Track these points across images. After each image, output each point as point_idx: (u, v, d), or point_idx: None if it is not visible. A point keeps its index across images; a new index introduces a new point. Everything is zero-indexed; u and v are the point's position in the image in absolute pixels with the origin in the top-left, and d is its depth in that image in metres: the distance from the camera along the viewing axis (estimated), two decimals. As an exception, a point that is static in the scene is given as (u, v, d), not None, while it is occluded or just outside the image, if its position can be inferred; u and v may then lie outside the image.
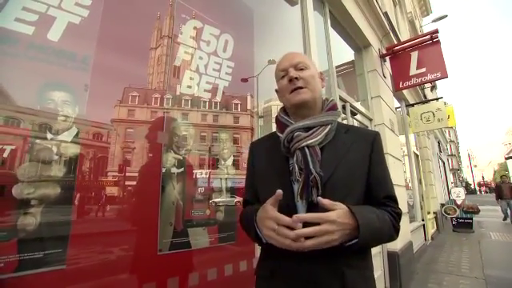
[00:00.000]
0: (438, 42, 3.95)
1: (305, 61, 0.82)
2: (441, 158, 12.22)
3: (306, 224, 0.62)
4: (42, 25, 0.94)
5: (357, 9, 3.34)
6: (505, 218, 8.99)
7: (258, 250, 1.52)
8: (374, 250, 2.79)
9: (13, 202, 0.80)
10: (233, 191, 1.57)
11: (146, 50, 1.31)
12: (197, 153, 1.45)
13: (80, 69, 1.01)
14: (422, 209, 5.91)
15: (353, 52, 3.83)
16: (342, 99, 2.87)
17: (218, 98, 1.62)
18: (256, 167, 0.89)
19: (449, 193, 10.95)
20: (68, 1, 1.02)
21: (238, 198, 1.56)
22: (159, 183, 1.20)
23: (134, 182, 1.16)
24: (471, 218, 7.53)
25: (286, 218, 0.63)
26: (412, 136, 6.54)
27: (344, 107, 2.93)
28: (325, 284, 0.67)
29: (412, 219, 5.25)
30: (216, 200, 1.48)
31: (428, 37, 4.01)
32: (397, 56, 4.29)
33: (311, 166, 0.70)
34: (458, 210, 7.64)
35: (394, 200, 0.78)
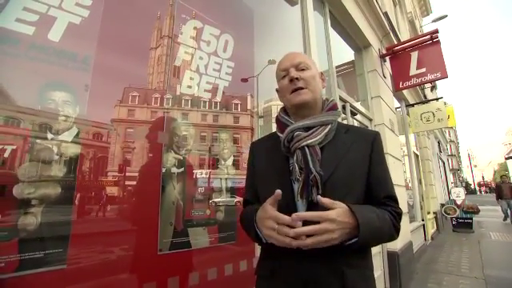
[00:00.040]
0: (438, 42, 3.96)
1: (306, 61, 0.82)
2: (441, 158, 12.23)
3: (305, 223, 0.62)
4: (42, 25, 0.94)
5: (357, 9, 3.34)
6: (505, 219, 8.97)
7: (258, 249, 1.53)
8: (374, 250, 2.79)
9: (13, 201, 0.81)
10: (233, 191, 1.57)
11: (146, 49, 1.31)
12: (197, 153, 1.45)
13: (80, 69, 1.01)
14: (421, 209, 5.91)
15: (353, 52, 3.83)
16: (341, 99, 2.87)
17: (218, 98, 1.62)
18: (256, 167, 0.89)
19: (449, 193, 10.95)
20: (68, 1, 1.02)
21: (238, 198, 1.56)
22: (159, 183, 1.20)
23: (134, 182, 1.16)
24: (471, 218, 7.53)
25: (285, 217, 0.64)
26: (412, 136, 6.54)
27: (344, 107, 2.93)
28: (325, 283, 0.67)
29: (412, 219, 5.25)
30: (216, 200, 1.48)
31: (428, 37, 4.01)
32: (397, 56, 4.29)
33: (311, 166, 0.70)
34: (457, 210, 7.64)
35: (395, 200, 0.78)
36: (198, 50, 1.56)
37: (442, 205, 8.31)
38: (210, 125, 1.56)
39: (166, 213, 1.20)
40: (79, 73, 1.01)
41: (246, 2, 1.97)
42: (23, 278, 0.79)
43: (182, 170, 1.32)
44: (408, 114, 6.04)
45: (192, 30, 1.55)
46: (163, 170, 1.23)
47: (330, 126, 0.78)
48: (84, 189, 0.98)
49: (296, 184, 0.73)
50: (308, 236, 0.61)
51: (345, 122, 2.83)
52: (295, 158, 0.74)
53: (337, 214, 0.62)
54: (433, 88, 8.79)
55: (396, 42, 4.54)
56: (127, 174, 1.12)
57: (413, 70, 4.16)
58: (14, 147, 0.84)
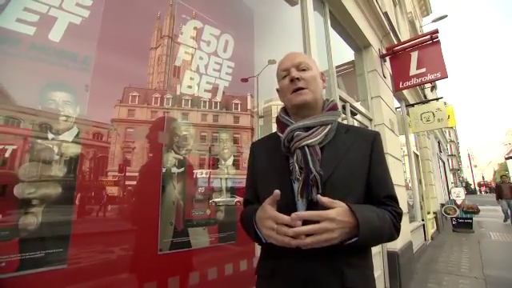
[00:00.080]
0: (438, 42, 3.96)
1: (307, 61, 0.83)
2: (441, 158, 12.23)
3: (305, 222, 0.62)
4: (43, 25, 0.94)
5: (357, 9, 3.34)
6: (505, 219, 8.87)
7: (258, 249, 1.53)
8: (374, 250, 2.80)
9: (14, 201, 0.81)
10: (233, 191, 1.57)
11: (147, 49, 1.32)
12: (197, 153, 1.45)
13: (81, 69, 1.01)
14: (421, 209, 5.91)
15: (353, 52, 3.83)
16: (342, 99, 2.88)
17: (219, 98, 1.62)
18: (257, 167, 0.89)
19: (449, 193, 10.96)
20: (69, 1, 1.02)
21: (238, 198, 1.56)
22: (160, 183, 1.20)
23: (135, 182, 1.16)
24: (471, 218, 7.53)
25: (284, 217, 0.64)
26: (412, 136, 6.55)
27: (344, 107, 2.93)
28: (324, 282, 0.67)
29: (412, 219, 5.25)
30: (216, 200, 1.48)
31: (428, 37, 4.01)
32: (397, 56, 4.30)
33: (311, 165, 0.70)
34: (457, 210, 7.64)
35: (395, 200, 0.78)
36: (198, 50, 1.56)
37: (442, 205, 8.31)
38: (210, 125, 1.57)
39: (166, 213, 1.20)
40: (80, 73, 1.01)
41: (246, 2, 1.97)
42: (24, 277, 0.79)
43: (183, 169, 1.32)
44: (408, 114, 6.04)
45: (192, 30, 1.55)
46: (163, 170, 1.23)
47: (330, 126, 0.78)
48: (84, 189, 0.98)
49: (296, 184, 0.73)
50: (307, 235, 0.61)
51: (345, 122, 2.83)
52: (295, 158, 0.74)
53: (337, 213, 0.62)
54: (433, 88, 8.79)
55: (396, 42, 4.54)
56: (127, 173, 1.13)
57: (413, 70, 4.16)
58: (15, 147, 0.84)
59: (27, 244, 0.81)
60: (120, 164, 1.11)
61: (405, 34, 7.17)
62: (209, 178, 1.47)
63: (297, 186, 0.73)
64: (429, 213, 6.54)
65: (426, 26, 10.01)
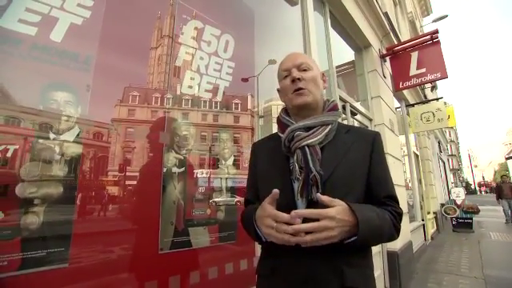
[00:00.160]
0: (438, 42, 3.96)
1: (308, 62, 0.83)
2: (441, 158, 12.23)
3: (305, 220, 0.63)
4: (44, 26, 0.95)
5: (357, 9, 3.34)
6: (507, 221, 8.70)
7: (258, 249, 1.53)
8: (374, 250, 2.80)
9: (16, 201, 0.81)
10: (233, 191, 1.57)
11: (147, 49, 1.32)
12: (197, 152, 1.45)
13: (82, 69, 1.02)
14: (421, 209, 5.91)
15: (353, 52, 3.84)
16: (342, 99, 2.88)
17: (219, 98, 1.62)
18: (258, 167, 0.90)
19: (449, 193, 10.95)
20: (70, 2, 1.02)
21: (239, 198, 1.57)
22: (160, 183, 1.21)
23: (135, 182, 1.16)
24: (471, 218, 7.53)
25: (284, 215, 0.64)
26: (412, 136, 6.55)
27: (344, 107, 2.93)
28: (324, 280, 0.68)
29: (412, 219, 5.25)
30: (216, 199, 1.49)
31: (428, 37, 4.02)
32: (397, 56, 4.30)
33: (311, 165, 0.71)
34: (457, 210, 7.64)
35: (395, 200, 0.78)
36: (198, 50, 1.56)
37: (442, 205, 8.31)
38: (210, 125, 1.57)
39: (166, 212, 1.20)
40: (81, 73, 1.01)
41: (247, 3, 1.98)
42: (26, 276, 0.79)
43: (183, 169, 1.32)
44: (408, 114, 6.04)
45: (193, 30, 1.56)
46: (164, 170, 1.24)
47: (330, 126, 0.79)
48: (85, 188, 0.98)
49: (296, 183, 0.74)
50: (307, 233, 0.61)
51: (345, 122, 2.84)
52: (295, 158, 0.74)
53: (336, 211, 0.63)
54: (433, 88, 8.79)
55: (396, 42, 4.54)
56: (128, 173, 1.13)
57: (413, 70, 4.16)
58: (17, 147, 0.85)
59: (29, 243, 0.81)
60: (120, 164, 1.12)
61: (405, 34, 7.17)
62: (209, 177, 1.48)
63: (297, 186, 0.73)
64: (429, 213, 6.54)
65: (427, 25, 10.01)
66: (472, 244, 5.73)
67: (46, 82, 0.93)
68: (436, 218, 7.33)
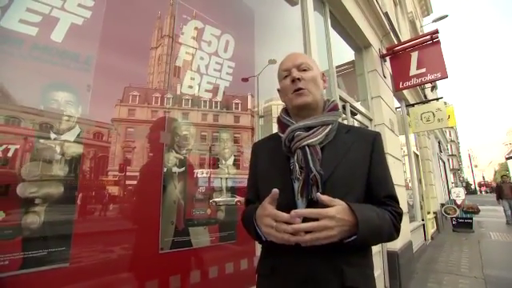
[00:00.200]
0: (438, 42, 3.96)
1: (308, 62, 0.83)
2: (441, 158, 12.22)
3: (305, 220, 0.63)
4: (45, 26, 0.95)
5: (357, 9, 3.35)
6: (508, 222, 8.62)
7: (258, 248, 1.54)
8: (374, 249, 2.80)
9: (17, 200, 0.82)
10: (233, 191, 1.58)
11: (147, 49, 1.32)
12: (197, 152, 1.46)
13: (83, 69, 1.02)
14: (421, 209, 5.91)
15: (353, 52, 3.84)
16: (342, 99, 2.88)
17: (219, 98, 1.63)
18: (258, 167, 0.90)
19: (449, 193, 10.95)
20: (71, 2, 1.03)
21: (239, 198, 1.57)
22: (161, 182, 1.21)
23: (135, 182, 1.17)
24: (471, 218, 7.53)
25: (283, 215, 0.64)
26: (412, 136, 6.55)
27: (344, 107, 2.94)
28: (324, 280, 0.68)
29: (412, 219, 5.26)
30: (216, 199, 1.49)
31: (428, 37, 4.02)
32: (397, 56, 4.30)
33: (311, 165, 0.71)
34: (457, 210, 7.64)
35: (395, 199, 0.78)
36: (198, 50, 1.56)
37: (442, 205, 8.31)
38: (210, 124, 1.57)
39: (167, 212, 1.21)
40: (81, 73, 1.02)
41: (247, 2, 1.98)
42: (27, 275, 0.80)
43: (183, 169, 1.33)
44: (408, 114, 6.04)
45: (193, 30, 1.56)
46: (164, 170, 1.24)
47: (330, 126, 0.79)
48: (86, 188, 0.99)
49: (296, 183, 0.74)
50: (307, 232, 0.62)
51: (345, 122, 2.84)
52: (296, 158, 0.74)
53: (336, 211, 0.63)
54: (433, 88, 8.78)
55: (396, 42, 4.54)
56: (128, 173, 1.13)
57: (413, 70, 4.16)
58: (18, 147, 0.85)
59: (30, 243, 0.82)
60: (121, 163, 1.12)
61: (405, 34, 7.17)
62: (209, 177, 1.48)
63: (297, 186, 0.73)
64: (429, 213, 6.55)
65: (427, 25, 10.01)
66: (472, 244, 5.73)
67: (46, 82, 0.93)
68: (436, 217, 7.34)
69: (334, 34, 3.12)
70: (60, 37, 0.98)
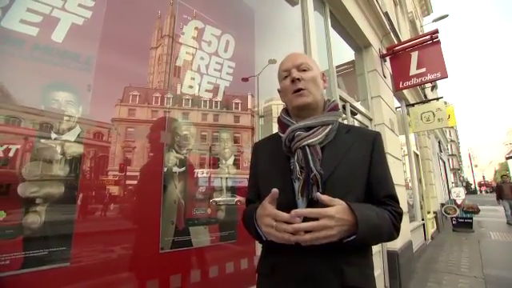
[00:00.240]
0: (438, 42, 3.96)
1: (307, 62, 0.83)
2: (441, 158, 12.22)
3: (305, 220, 0.63)
4: (46, 26, 0.95)
5: (357, 9, 3.35)
6: (509, 223, 8.51)
7: (258, 248, 1.54)
8: (374, 249, 2.80)
9: (18, 200, 0.82)
10: (233, 190, 1.58)
11: (147, 49, 1.32)
12: (198, 152, 1.46)
13: (83, 69, 1.02)
14: (421, 208, 5.92)
15: (353, 52, 3.84)
16: (342, 99, 2.88)
17: (219, 98, 1.63)
18: (259, 167, 0.90)
19: (449, 192, 10.95)
20: (71, 2, 1.03)
21: (239, 198, 1.57)
22: (161, 182, 1.21)
23: (135, 182, 1.17)
24: (471, 218, 7.53)
25: (283, 214, 0.65)
26: (412, 136, 6.55)
27: (344, 107, 2.94)
28: (323, 279, 0.68)
29: (412, 219, 5.26)
30: (217, 199, 1.49)
31: (428, 37, 4.02)
32: (397, 56, 4.30)
33: (311, 164, 0.71)
34: (458, 210, 7.64)
35: (395, 199, 0.78)
36: (199, 50, 1.56)
37: (442, 204, 8.31)
38: (210, 124, 1.57)
39: (167, 212, 1.21)
40: (82, 73, 1.02)
41: (247, 2, 1.98)
42: (28, 275, 0.80)
43: (184, 169, 1.33)
44: (408, 114, 6.04)
45: (193, 30, 1.56)
46: (165, 170, 1.24)
47: (330, 126, 0.79)
48: (86, 188, 0.99)
49: (297, 183, 0.74)
50: (306, 232, 0.62)
51: (345, 121, 2.84)
52: (296, 158, 0.75)
53: (336, 210, 0.63)
54: (433, 88, 8.78)
55: (396, 42, 4.54)
56: (128, 173, 1.14)
57: (413, 70, 4.16)
58: (19, 146, 0.85)
59: (31, 242, 0.82)
60: (121, 163, 1.12)
61: (405, 34, 7.17)
62: (209, 177, 1.48)
63: (297, 185, 0.74)
64: (429, 212, 6.55)
65: (427, 25, 10.01)
66: (472, 244, 5.74)
67: (47, 82, 0.94)
68: (436, 217, 7.34)
69: (334, 33, 3.12)
70: (61, 37, 0.98)
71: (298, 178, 0.73)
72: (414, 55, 4.15)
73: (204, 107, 1.55)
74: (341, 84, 3.32)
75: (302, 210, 0.64)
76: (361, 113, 3.34)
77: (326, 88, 0.92)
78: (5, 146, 0.82)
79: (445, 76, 3.97)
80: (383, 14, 3.93)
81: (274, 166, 0.83)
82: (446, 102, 7.02)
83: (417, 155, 6.91)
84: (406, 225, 3.89)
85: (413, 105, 6.14)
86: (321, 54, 2.61)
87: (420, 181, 6.45)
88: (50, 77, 0.94)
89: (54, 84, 0.95)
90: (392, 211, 0.75)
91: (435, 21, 7.94)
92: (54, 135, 0.92)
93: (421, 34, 7.01)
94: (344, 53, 3.68)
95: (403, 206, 3.80)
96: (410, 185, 5.70)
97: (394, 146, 3.91)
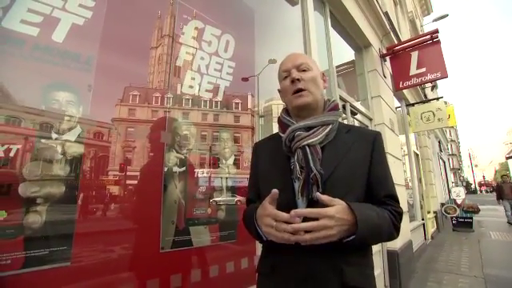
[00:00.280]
0: (438, 41, 3.96)
1: (307, 62, 0.83)
2: (441, 158, 12.22)
3: (305, 219, 0.63)
4: (46, 26, 0.95)
5: (357, 8, 3.35)
6: (510, 224, 8.40)
7: (258, 247, 1.54)
8: (374, 249, 2.80)
9: (19, 200, 0.82)
10: (233, 190, 1.58)
11: (147, 49, 1.33)
12: (198, 152, 1.46)
13: (84, 69, 1.02)
14: (421, 208, 5.92)
15: (353, 52, 3.84)
16: (342, 99, 2.88)
17: (219, 98, 1.63)
18: (259, 167, 0.90)
19: (449, 192, 10.95)
20: (72, 2, 1.03)
21: (239, 197, 1.57)
22: (162, 182, 1.22)
23: (135, 181, 1.17)
24: (471, 218, 7.53)
25: (283, 214, 0.65)
26: (412, 135, 6.55)
27: (344, 107, 2.94)
28: (323, 279, 0.68)
29: (412, 218, 5.26)
30: (217, 199, 1.49)
31: (428, 37, 4.02)
32: (397, 56, 4.30)
33: (311, 164, 0.71)
34: (458, 210, 7.64)
35: (395, 199, 0.78)
36: (199, 50, 1.57)
37: (442, 204, 8.31)
38: (210, 124, 1.58)
39: (168, 211, 1.21)
40: (82, 73, 1.02)
41: (247, 2, 1.98)
42: (29, 274, 0.80)
43: (184, 169, 1.33)
44: (408, 114, 6.04)
45: (193, 30, 1.56)
46: (165, 169, 1.24)
47: (330, 126, 0.79)
48: (87, 188, 0.99)
49: (297, 182, 0.75)
50: (306, 232, 0.62)
51: (345, 121, 2.84)
52: (296, 157, 0.75)
53: (335, 210, 0.63)
54: (433, 87, 8.78)
55: (396, 42, 4.54)
56: (128, 173, 1.14)
57: (413, 70, 4.16)
58: (20, 146, 0.86)
59: (32, 242, 0.82)
60: (121, 163, 1.12)
61: (405, 34, 7.17)
62: (210, 177, 1.48)
63: (297, 185, 0.74)
64: (429, 212, 6.55)
65: (427, 25, 10.01)
66: (472, 243, 5.74)
67: (47, 82, 0.94)
68: (436, 217, 7.34)
69: (334, 33, 3.12)
70: (61, 37, 0.98)
71: (298, 177, 0.73)
72: (414, 55, 4.16)
73: (204, 107, 1.55)
74: (341, 84, 3.32)
75: (302, 210, 0.65)
76: (361, 113, 3.34)
77: (327, 88, 0.92)
78: (6, 146, 0.83)
79: (445, 76, 3.97)
80: (383, 14, 3.93)
81: (275, 165, 0.83)
82: (446, 102, 7.02)
83: (417, 155, 6.91)
84: (405, 224, 3.89)
85: (413, 104, 6.13)
86: (321, 53, 2.61)
87: (420, 180, 6.46)
88: (50, 77, 0.94)
89: (54, 84, 0.95)
90: (392, 211, 0.75)
91: (435, 20, 7.95)
92: (54, 135, 0.92)
93: (421, 33, 7.01)
94: (344, 53, 3.68)
95: (403, 205, 3.80)
96: (410, 184, 5.70)
97: (394, 145, 3.91)
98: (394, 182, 0.83)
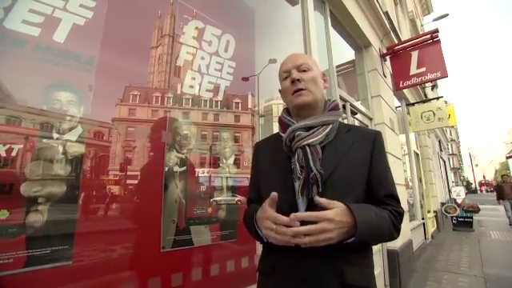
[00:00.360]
0: (439, 41, 3.96)
1: (308, 62, 0.84)
2: (441, 157, 12.22)
3: (304, 222, 0.63)
4: (47, 26, 0.95)
5: (357, 8, 3.35)
6: (511, 224, 8.28)
7: (259, 247, 1.54)
8: (374, 248, 2.80)
9: (21, 199, 0.82)
10: (234, 190, 1.58)
11: (147, 49, 1.33)
12: (198, 152, 1.46)
13: (85, 69, 1.03)
14: (422, 207, 5.92)
15: (353, 51, 3.84)
16: (342, 99, 2.89)
17: (220, 98, 1.63)
18: (260, 167, 0.91)
19: (449, 192, 10.95)
20: (73, 3, 1.03)
21: (239, 197, 1.58)
22: (162, 182, 1.22)
23: (136, 181, 1.17)
24: (471, 217, 7.54)
25: (283, 218, 0.65)
26: (412, 135, 6.55)
27: (344, 106, 2.94)
28: (324, 279, 0.68)
29: (412, 218, 5.27)
30: (217, 198, 1.50)
31: (428, 36, 4.02)
32: (397, 55, 4.30)
33: (312, 164, 0.71)
34: (458, 209, 7.64)
35: (396, 199, 0.78)
36: (199, 50, 1.57)
37: (443, 204, 8.31)
38: (211, 124, 1.58)
39: (168, 211, 1.22)
40: (83, 73, 1.02)
41: (247, 2, 1.98)
42: (31, 273, 0.80)
43: (184, 168, 1.34)
44: (408, 113, 6.04)
45: (194, 30, 1.56)
46: (166, 169, 1.25)
47: (331, 126, 0.79)
48: (88, 187, 0.99)
49: (297, 182, 0.75)
50: (306, 234, 0.62)
51: (345, 121, 2.85)
52: (296, 157, 0.75)
53: (334, 213, 0.63)
54: (433, 87, 8.77)
55: (396, 42, 4.54)
56: (129, 172, 1.14)
57: (413, 70, 4.16)
58: (21, 146, 0.86)
59: (33, 241, 0.82)
60: (121, 163, 1.13)
61: (406, 33, 7.16)
62: (210, 176, 1.49)
63: (297, 185, 0.74)
64: (429, 211, 6.55)
65: (427, 24, 10.00)
66: (472, 243, 5.74)
67: (49, 82, 0.94)
68: (436, 216, 7.34)
69: (334, 33, 3.12)
70: (62, 37, 0.99)
71: (299, 177, 0.73)
72: (414, 54, 4.15)
73: (204, 107, 1.55)
74: (341, 83, 3.32)
75: (302, 214, 0.65)
76: (361, 112, 3.35)
77: (327, 88, 0.92)
78: (7, 146, 0.83)
79: (445, 75, 3.97)
80: (383, 14, 3.93)
81: (275, 165, 0.83)
82: (446, 102, 7.01)
83: (417, 154, 6.91)
84: (406, 224, 3.89)
85: (413, 104, 6.13)
86: (321, 53, 2.61)
87: (420, 180, 6.46)
88: (51, 77, 0.95)
89: (55, 84, 0.95)
90: (392, 211, 0.74)
91: (435, 20, 7.94)
92: (55, 135, 0.93)
93: (421, 33, 7.00)
94: (344, 52, 3.68)
95: (403, 205, 3.79)
96: (410, 184, 5.71)
97: (394, 145, 3.91)
98: (395, 181, 0.84)
